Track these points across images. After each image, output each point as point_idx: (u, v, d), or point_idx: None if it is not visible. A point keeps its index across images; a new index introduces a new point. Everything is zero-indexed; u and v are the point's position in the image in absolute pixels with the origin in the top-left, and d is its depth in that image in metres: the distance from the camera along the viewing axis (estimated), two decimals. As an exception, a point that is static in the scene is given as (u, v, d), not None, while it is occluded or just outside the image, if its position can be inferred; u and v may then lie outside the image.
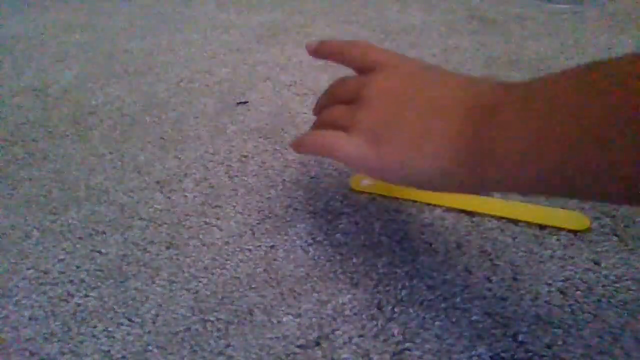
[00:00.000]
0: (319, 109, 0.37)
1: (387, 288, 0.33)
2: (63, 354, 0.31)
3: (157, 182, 0.46)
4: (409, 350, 0.29)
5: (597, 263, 0.34)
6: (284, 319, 0.32)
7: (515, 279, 0.33)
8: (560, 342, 0.29)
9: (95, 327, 0.32)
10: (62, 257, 0.38)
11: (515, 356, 0.29)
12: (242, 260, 0.36)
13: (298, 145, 0.36)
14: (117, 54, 0.74)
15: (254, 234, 0.39)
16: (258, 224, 0.40)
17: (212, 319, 0.32)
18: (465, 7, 0.85)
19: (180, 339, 0.31)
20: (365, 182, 0.43)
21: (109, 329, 0.32)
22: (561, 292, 0.32)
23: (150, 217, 0.41)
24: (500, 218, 0.38)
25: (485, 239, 0.37)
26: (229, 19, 0.86)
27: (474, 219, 0.39)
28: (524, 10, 0.81)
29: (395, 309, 0.32)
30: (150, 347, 0.31)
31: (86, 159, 0.50)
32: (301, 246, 0.37)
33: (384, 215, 0.40)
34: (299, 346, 0.30)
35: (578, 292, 0.32)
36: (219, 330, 0.32)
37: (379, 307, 0.32)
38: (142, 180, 0.46)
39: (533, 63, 0.63)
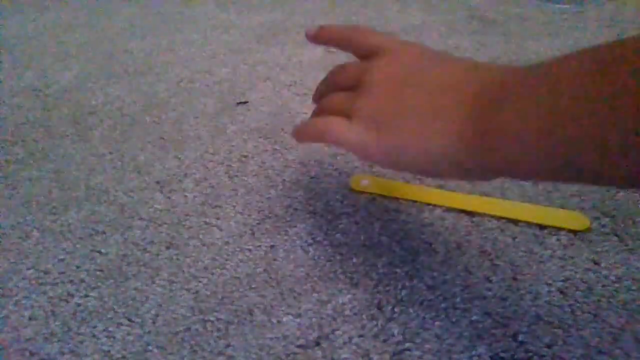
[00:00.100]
0: (318, 96, 0.36)
1: (387, 288, 0.33)
2: (63, 354, 0.31)
3: (157, 182, 0.46)
4: (409, 350, 0.29)
5: (597, 263, 0.34)
6: (284, 319, 0.32)
7: (515, 279, 0.33)
8: (560, 342, 0.29)
9: (95, 327, 0.32)
10: (62, 257, 0.38)
11: (515, 356, 0.29)
12: (242, 260, 0.36)
13: (298, 134, 0.35)
14: (117, 54, 0.74)
15: (254, 234, 0.39)
16: (258, 224, 0.40)
17: (212, 319, 0.32)
18: (465, 7, 0.85)
19: (180, 339, 0.31)
20: (365, 182, 0.43)
21: (109, 329, 0.32)
22: (561, 292, 0.32)
23: (150, 217, 0.41)
24: (500, 218, 0.38)
25: (485, 239, 0.37)
26: (229, 19, 0.86)
27: (474, 219, 0.39)
28: (524, 10, 0.81)
29: (395, 309, 0.32)
30: (150, 347, 0.31)
31: (86, 159, 0.50)
32: (301, 246, 0.37)
33: (384, 215, 0.40)
34: (299, 346, 0.30)
35: (578, 292, 0.32)
36: (219, 330, 0.32)
37: (379, 307, 0.32)
38: (142, 180, 0.46)
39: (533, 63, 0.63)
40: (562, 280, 0.33)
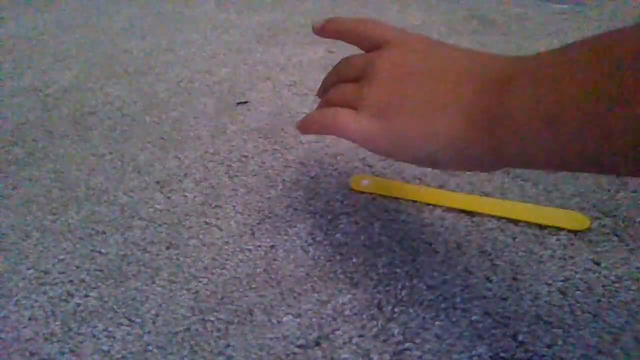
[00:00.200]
0: (323, 90, 0.36)
1: (387, 288, 0.33)
2: (63, 354, 0.31)
3: (157, 182, 0.46)
4: (409, 350, 0.29)
5: (597, 263, 0.34)
6: (284, 319, 0.32)
7: (515, 279, 0.33)
8: (560, 342, 0.29)
9: (95, 327, 0.32)
10: (62, 257, 0.38)
11: (515, 356, 0.29)
12: (242, 260, 0.36)
13: (303, 125, 0.34)
14: (117, 54, 0.74)
15: (254, 234, 0.39)
16: (258, 224, 0.40)
17: (212, 319, 0.32)
18: (465, 7, 0.85)
19: (180, 339, 0.31)
20: (365, 182, 0.43)
21: (109, 329, 0.32)
22: (561, 292, 0.32)
23: (150, 217, 0.41)
24: (500, 218, 0.38)
25: (485, 239, 0.37)
26: (229, 19, 0.86)
27: (474, 219, 0.39)
28: (524, 10, 0.81)
29: (395, 309, 0.32)
30: (150, 347, 0.31)
31: (86, 159, 0.50)
32: (301, 246, 0.37)
33: (384, 215, 0.40)
34: (299, 346, 0.30)
35: (578, 292, 0.32)
36: (219, 330, 0.32)
37: (379, 307, 0.32)
38: (142, 180, 0.46)
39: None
40: (562, 280, 0.33)
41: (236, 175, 0.46)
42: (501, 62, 0.26)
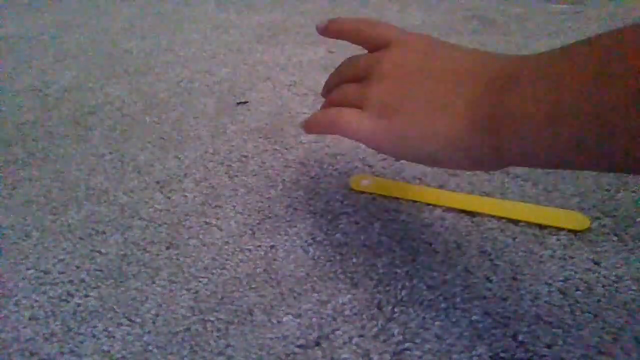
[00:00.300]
0: (327, 90, 0.36)
1: (387, 288, 0.33)
2: (63, 354, 0.31)
3: (157, 182, 0.46)
4: (409, 350, 0.29)
5: (597, 263, 0.34)
6: (284, 319, 0.32)
7: (515, 279, 0.33)
8: (560, 342, 0.29)
9: (95, 327, 0.32)
10: (62, 257, 0.38)
11: (515, 356, 0.29)
12: (242, 260, 0.36)
13: (308, 125, 0.34)
14: (117, 54, 0.74)
15: (254, 234, 0.39)
16: (258, 224, 0.40)
17: (212, 319, 0.32)
18: (465, 7, 0.85)
19: (180, 339, 0.31)
20: (365, 182, 0.43)
21: (109, 329, 0.32)
22: (561, 292, 0.32)
23: (150, 217, 0.41)
24: (500, 218, 0.38)
25: (485, 239, 0.37)
26: (229, 19, 0.86)
27: (474, 219, 0.39)
28: (524, 10, 0.81)
29: (395, 309, 0.32)
30: (150, 347, 0.31)
31: (86, 159, 0.50)
32: (301, 246, 0.37)
33: (384, 215, 0.40)
34: (299, 346, 0.30)
35: (578, 292, 0.32)
36: (219, 330, 0.32)
37: (379, 307, 0.32)
38: (142, 180, 0.46)
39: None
40: (562, 280, 0.33)
41: (236, 175, 0.46)
42: (502, 61, 0.26)
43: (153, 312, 0.33)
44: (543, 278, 0.33)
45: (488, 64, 0.26)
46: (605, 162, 0.21)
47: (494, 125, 0.24)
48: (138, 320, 0.33)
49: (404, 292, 0.33)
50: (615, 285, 0.33)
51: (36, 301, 0.35)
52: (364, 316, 0.32)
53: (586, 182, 0.42)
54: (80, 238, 0.40)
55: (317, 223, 0.39)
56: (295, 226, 0.39)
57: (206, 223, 0.40)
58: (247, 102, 0.58)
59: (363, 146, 0.48)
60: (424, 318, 0.31)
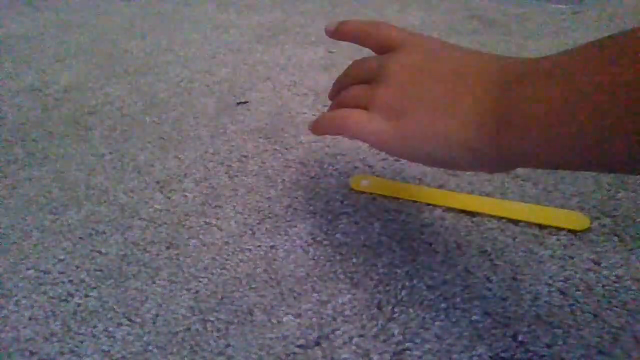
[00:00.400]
0: (335, 92, 0.36)
1: (387, 288, 0.33)
2: (63, 354, 0.31)
3: (157, 182, 0.46)
4: (409, 350, 0.29)
5: (597, 263, 0.34)
6: (284, 319, 0.32)
7: (515, 279, 0.33)
8: (560, 342, 0.29)
9: (95, 327, 0.32)
10: (62, 257, 0.38)
11: (515, 356, 0.29)
12: (242, 260, 0.36)
13: (316, 126, 0.34)
14: (117, 54, 0.74)
15: (254, 234, 0.39)
16: (258, 224, 0.40)
17: (212, 319, 0.32)
18: (465, 7, 0.85)
19: (180, 339, 0.31)
20: (365, 182, 0.43)
21: (109, 329, 0.32)
22: (561, 292, 0.32)
23: (150, 217, 0.41)
24: (500, 218, 0.38)
25: (485, 239, 0.37)
26: (229, 19, 0.86)
27: (474, 219, 0.39)
28: (524, 10, 0.81)
29: (395, 309, 0.32)
30: (150, 347, 0.31)
31: (86, 159, 0.50)
32: (301, 246, 0.37)
33: (384, 215, 0.40)
34: (299, 346, 0.30)
35: (578, 292, 0.32)
36: (219, 330, 0.32)
37: (379, 307, 0.32)
38: (142, 180, 0.46)
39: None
40: (562, 280, 0.33)
41: (236, 175, 0.46)
42: (510, 63, 0.26)
43: (153, 312, 0.33)
44: (543, 278, 0.33)
45: (495, 66, 0.26)
46: (615, 162, 0.21)
47: (504, 127, 0.24)
48: (138, 320, 0.33)
49: (404, 292, 0.33)
50: (615, 285, 0.33)
51: (36, 301, 0.35)
52: (364, 316, 0.32)
53: (586, 182, 0.42)
54: (80, 238, 0.40)
55: (317, 223, 0.39)
56: (295, 226, 0.39)
57: (206, 223, 0.40)
58: (247, 102, 0.58)
59: (363, 146, 0.48)
60: (424, 318, 0.31)
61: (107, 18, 0.90)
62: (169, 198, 0.43)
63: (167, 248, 0.38)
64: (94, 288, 0.35)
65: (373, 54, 0.33)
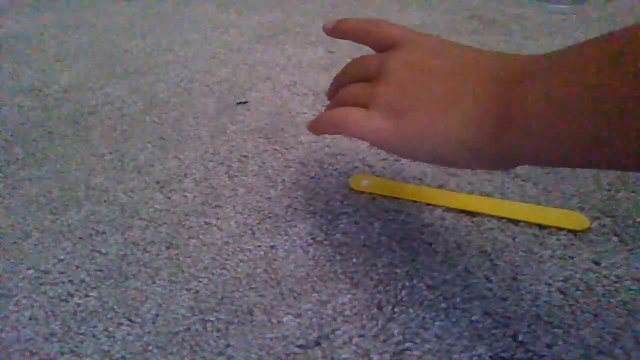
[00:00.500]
0: (333, 90, 0.36)
1: (387, 288, 0.33)
2: (63, 354, 0.31)
3: (157, 182, 0.46)
4: (409, 350, 0.29)
5: (597, 263, 0.34)
6: (284, 319, 0.32)
7: (515, 279, 0.33)
8: (560, 342, 0.29)
9: (95, 327, 0.32)
10: (62, 257, 0.38)
11: (515, 356, 0.29)
12: (242, 260, 0.36)
13: (315, 125, 0.34)
14: (117, 54, 0.74)
15: (254, 234, 0.39)
16: (258, 224, 0.40)
17: (212, 319, 0.32)
18: (465, 7, 0.85)
19: (180, 339, 0.31)
20: (365, 182, 0.43)
21: (109, 329, 0.32)
22: (561, 292, 0.32)
23: (150, 217, 0.41)
24: (500, 218, 0.38)
25: (485, 239, 0.37)
26: (229, 19, 0.86)
27: (474, 219, 0.39)
28: (524, 10, 0.81)
29: (395, 309, 0.32)
30: (150, 347, 0.31)
31: (86, 159, 0.50)
32: (301, 246, 0.37)
33: (384, 215, 0.40)
34: (299, 346, 0.30)
35: (578, 292, 0.32)
36: (219, 330, 0.32)
37: (379, 307, 0.32)
38: (142, 180, 0.46)
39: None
40: (562, 280, 0.33)
41: (236, 175, 0.46)
42: (511, 60, 0.26)
43: (153, 312, 0.33)
44: (543, 278, 0.33)
45: (496, 64, 0.26)
46: (616, 161, 0.21)
47: (505, 124, 0.23)
48: (138, 320, 0.33)
49: (404, 292, 0.33)
50: (615, 285, 0.33)
51: (36, 301, 0.35)
52: (364, 316, 0.32)
53: (586, 182, 0.42)
54: (80, 238, 0.40)
55: (317, 223, 0.39)
56: (295, 226, 0.39)
57: (206, 223, 0.40)
58: (247, 102, 0.58)
59: (363, 146, 0.48)
60: (424, 318, 0.31)
61: (107, 18, 0.90)
62: (169, 198, 0.43)
63: (167, 248, 0.38)
64: (94, 288, 0.35)
65: (372, 53, 0.33)
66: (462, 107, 0.26)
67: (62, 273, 0.37)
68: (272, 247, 0.37)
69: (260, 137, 0.51)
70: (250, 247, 0.38)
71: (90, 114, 0.58)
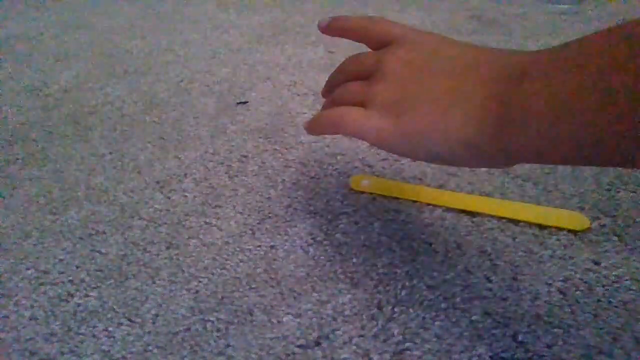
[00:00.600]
0: (329, 89, 0.35)
1: (387, 288, 0.33)
2: (63, 354, 0.31)
3: (157, 182, 0.46)
4: (409, 350, 0.29)
5: (597, 263, 0.34)
6: (284, 319, 0.32)
7: (515, 279, 0.33)
8: (560, 342, 0.29)
9: (95, 327, 0.32)
10: (62, 257, 0.38)
11: (515, 356, 0.29)
12: (242, 260, 0.36)
13: (312, 126, 0.34)
14: (117, 54, 0.74)
15: (254, 234, 0.39)
16: (258, 224, 0.40)
17: (212, 319, 0.32)
18: (465, 7, 0.85)
19: (180, 339, 0.31)
20: (365, 182, 0.43)
21: (109, 329, 0.32)
22: (561, 292, 0.32)
23: (150, 217, 0.41)
24: (500, 218, 0.38)
25: (485, 239, 0.37)
26: (229, 19, 0.86)
27: (474, 219, 0.39)
28: (524, 10, 0.81)
29: (395, 309, 0.32)
30: (150, 347, 0.31)
31: (86, 159, 0.50)
32: (301, 246, 0.37)
33: (384, 215, 0.40)
34: (299, 346, 0.30)
35: (578, 292, 0.32)
36: (219, 330, 0.32)
37: (379, 307, 0.32)
38: (142, 180, 0.46)
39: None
40: (562, 280, 0.33)
41: (236, 175, 0.46)
42: (511, 57, 0.25)
43: (153, 312, 0.33)
44: (543, 278, 0.33)
45: (496, 61, 0.26)
46: (618, 159, 0.21)
47: (506, 122, 0.23)
48: (138, 320, 0.33)
49: (404, 292, 0.33)
50: (615, 285, 0.33)
51: (36, 301, 0.35)
52: (364, 316, 0.32)
53: (586, 182, 0.42)
54: (80, 238, 0.40)
55: (317, 223, 0.39)
56: (295, 226, 0.39)
57: (206, 223, 0.40)
58: (247, 102, 0.58)
59: (363, 146, 0.48)
60: (424, 318, 0.31)
61: (107, 18, 0.90)
62: (169, 198, 0.43)
63: (167, 248, 0.38)
64: (94, 288, 0.35)
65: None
66: (462, 105, 0.25)
67: (62, 273, 0.37)
68: (272, 247, 0.37)
69: (260, 137, 0.51)
70: (250, 247, 0.38)
71: (90, 114, 0.58)
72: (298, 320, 0.32)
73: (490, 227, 0.38)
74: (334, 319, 0.32)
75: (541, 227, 0.37)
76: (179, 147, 0.50)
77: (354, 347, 0.30)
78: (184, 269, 0.36)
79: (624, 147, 0.20)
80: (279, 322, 0.32)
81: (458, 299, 0.32)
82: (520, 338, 0.30)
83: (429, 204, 0.40)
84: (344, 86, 0.33)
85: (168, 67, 0.69)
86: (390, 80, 0.29)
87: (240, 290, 0.34)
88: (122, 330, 0.32)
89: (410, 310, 0.32)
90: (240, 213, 0.41)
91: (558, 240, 0.36)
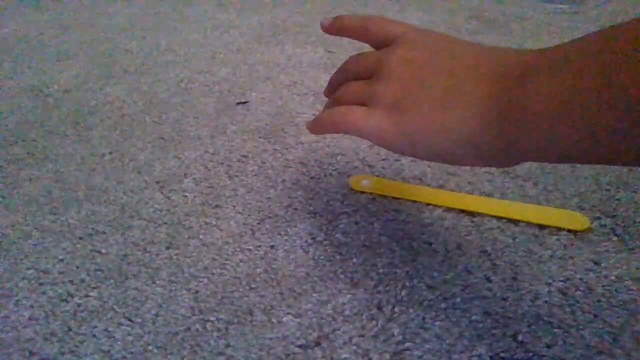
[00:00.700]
0: (331, 88, 0.35)
1: (387, 288, 0.33)
2: (63, 354, 0.31)
3: (157, 182, 0.46)
4: (409, 350, 0.29)
5: (597, 263, 0.34)
6: (284, 319, 0.32)
7: (515, 279, 0.33)
8: (560, 342, 0.29)
9: (95, 327, 0.32)
10: (62, 257, 0.38)
11: (515, 356, 0.29)
12: (242, 260, 0.36)
13: (314, 125, 0.34)
14: (117, 54, 0.74)
15: (254, 234, 0.39)
16: (258, 224, 0.40)
17: (212, 319, 0.32)
18: (465, 7, 0.85)
19: (180, 339, 0.31)
20: (365, 182, 0.43)
21: (109, 329, 0.32)
22: (561, 292, 0.32)
23: (150, 217, 0.41)
24: (500, 218, 0.38)
25: (485, 239, 0.37)
26: (229, 19, 0.86)
27: (474, 219, 0.39)
28: (524, 10, 0.81)
29: (395, 309, 0.32)
30: (150, 347, 0.31)
31: (86, 159, 0.50)
32: (301, 246, 0.37)
33: (384, 215, 0.40)
34: (299, 346, 0.30)
35: (578, 292, 0.32)
36: (219, 330, 0.32)
37: (379, 307, 0.32)
38: (142, 180, 0.46)
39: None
40: (562, 280, 0.33)
41: (236, 175, 0.46)
42: (513, 56, 0.25)
43: (153, 312, 0.33)
44: (543, 278, 0.33)
45: (497, 60, 0.26)
46: (620, 157, 0.21)
47: (508, 121, 0.23)
48: (138, 320, 0.33)
49: (404, 292, 0.33)
50: (615, 285, 0.33)
51: (36, 301, 0.35)
52: (364, 316, 0.32)
53: (586, 182, 0.42)
54: (80, 238, 0.40)
55: (317, 223, 0.39)
56: (295, 226, 0.39)
57: (206, 223, 0.40)
58: (247, 102, 0.58)
59: (363, 146, 0.48)
60: (424, 318, 0.31)
61: (107, 18, 0.90)
62: (169, 198, 0.43)
63: (167, 248, 0.38)
64: (94, 288, 0.35)
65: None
66: (464, 104, 0.25)
67: (62, 273, 0.37)
68: (272, 247, 0.37)
69: (260, 137, 0.51)
70: (250, 247, 0.38)
71: (90, 114, 0.58)
72: (298, 320, 0.32)
73: (490, 227, 0.38)
74: (334, 319, 0.32)
75: (541, 227, 0.37)
76: (179, 147, 0.50)
77: (354, 347, 0.30)
78: (184, 269, 0.36)
79: (624, 145, 0.20)
80: (279, 322, 0.32)
81: (458, 299, 0.32)
82: (520, 338, 0.30)
83: (429, 204, 0.40)
84: (346, 86, 0.33)
85: (168, 67, 0.69)
86: (391, 79, 0.29)
87: (240, 290, 0.34)
88: (122, 330, 0.32)
89: (410, 310, 0.32)
90: (240, 213, 0.41)
91: (558, 240, 0.36)
